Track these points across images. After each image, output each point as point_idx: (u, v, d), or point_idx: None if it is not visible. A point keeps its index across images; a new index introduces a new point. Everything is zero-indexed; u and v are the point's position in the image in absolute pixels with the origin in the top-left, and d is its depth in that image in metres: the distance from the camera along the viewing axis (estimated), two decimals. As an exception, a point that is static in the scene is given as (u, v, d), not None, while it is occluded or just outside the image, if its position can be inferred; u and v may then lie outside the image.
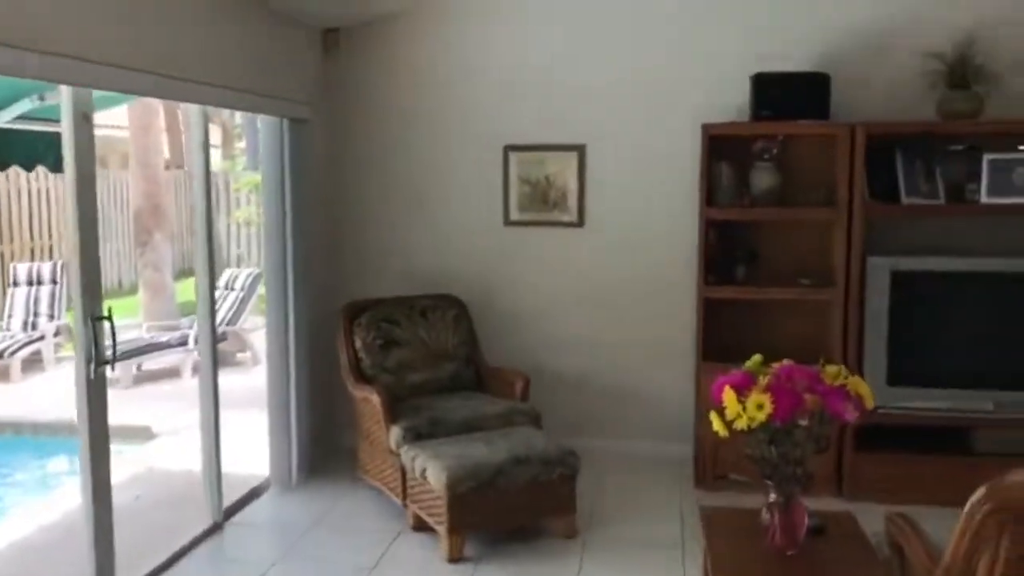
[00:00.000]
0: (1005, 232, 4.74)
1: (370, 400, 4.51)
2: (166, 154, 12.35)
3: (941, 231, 4.79)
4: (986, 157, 4.56)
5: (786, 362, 2.73)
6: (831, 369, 2.64)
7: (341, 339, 4.82)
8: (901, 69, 4.78)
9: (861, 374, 4.54)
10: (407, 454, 4.20)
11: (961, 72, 4.59)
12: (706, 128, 4.72)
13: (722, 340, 4.87)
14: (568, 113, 5.21)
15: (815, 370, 2.63)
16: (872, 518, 3.60)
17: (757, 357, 2.80)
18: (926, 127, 4.64)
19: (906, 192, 4.65)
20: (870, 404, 2.62)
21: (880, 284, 4.56)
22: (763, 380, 2.58)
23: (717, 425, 2.61)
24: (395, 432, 4.34)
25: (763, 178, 4.82)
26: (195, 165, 4.32)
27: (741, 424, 2.53)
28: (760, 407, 2.50)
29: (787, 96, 4.66)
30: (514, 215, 5.31)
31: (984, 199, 4.57)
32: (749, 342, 4.94)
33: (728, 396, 2.56)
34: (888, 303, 4.55)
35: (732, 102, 4.90)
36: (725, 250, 4.88)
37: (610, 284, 5.25)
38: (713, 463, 4.77)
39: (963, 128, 4.61)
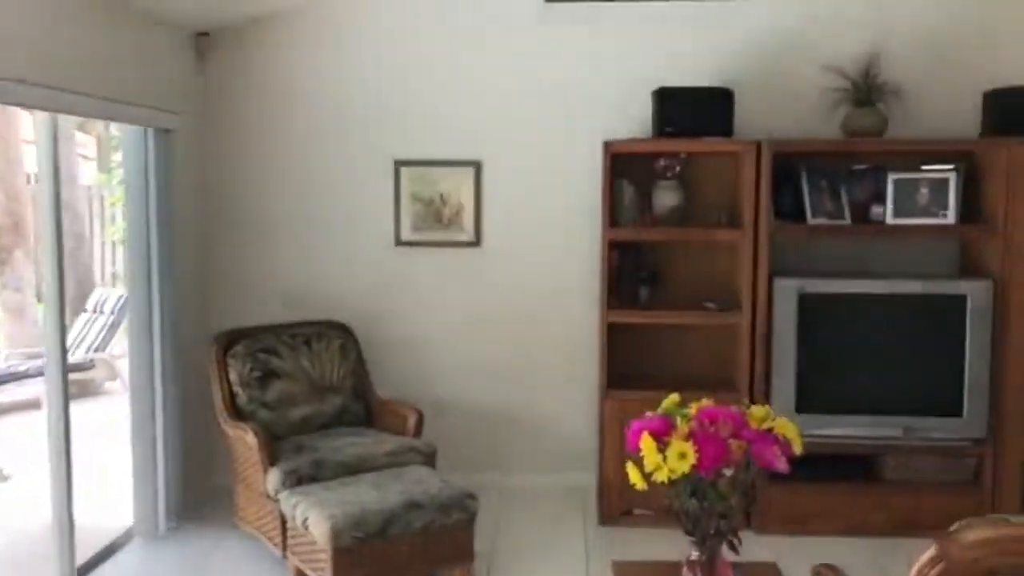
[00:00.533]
0: (910, 253, 4.67)
1: (246, 440, 4.08)
2: (32, 166, 11.50)
3: (848, 252, 4.69)
4: (891, 177, 4.46)
5: (706, 402, 2.48)
6: (757, 411, 2.39)
7: (214, 371, 4.36)
8: (806, 86, 4.66)
9: (769, 401, 4.40)
10: (287, 501, 3.79)
11: (865, 89, 4.49)
12: (607, 145, 4.48)
13: (626, 366, 4.65)
14: (463, 127, 4.90)
15: (739, 412, 2.37)
16: (784, 551, 3.58)
17: (674, 397, 2.53)
18: (832, 145, 4.52)
19: (812, 212, 4.52)
20: (799, 449, 2.38)
21: (787, 307, 4.39)
22: (684, 426, 2.31)
23: (634, 477, 2.33)
24: (274, 476, 3.92)
25: (666, 197, 4.63)
26: (43, 176, 3.82)
27: (661, 476, 2.25)
28: (682, 456, 2.23)
29: (691, 112, 4.46)
30: (406, 234, 4.96)
31: (890, 220, 4.47)
32: (653, 368, 4.78)
33: (646, 445, 2.28)
34: (795, 327, 4.39)
35: (635, 118, 4.70)
36: (628, 272, 4.66)
37: (509, 307, 4.96)
38: (618, 497, 4.51)
39: (868, 146, 4.50)
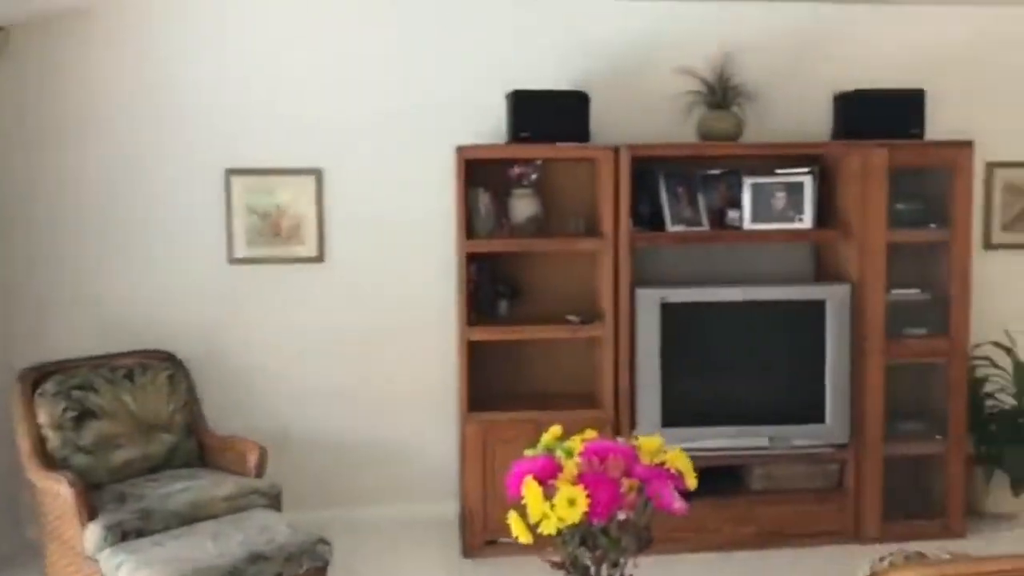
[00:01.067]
0: (770, 258, 4.62)
1: (59, 491, 3.54)
2: None
3: (709, 259, 4.58)
4: (747, 181, 4.39)
5: (591, 435, 2.22)
6: (647, 443, 2.16)
7: (19, 413, 3.79)
8: (661, 89, 4.51)
9: (635, 415, 4.23)
10: (110, 560, 3.30)
11: (720, 92, 4.39)
12: (461, 151, 4.20)
13: (486, 385, 4.40)
14: (303, 132, 4.50)
15: (630, 446, 2.13)
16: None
17: (555, 430, 2.26)
18: (690, 149, 4.39)
19: (671, 219, 4.39)
20: (692, 483, 2.16)
21: (650, 317, 4.24)
22: (571, 466, 2.05)
23: (518, 530, 2.04)
24: (93, 531, 3.41)
25: (523, 206, 4.39)
26: None
27: (549, 528, 1.97)
28: (572, 503, 1.96)
29: (546, 116, 4.25)
30: (240, 251, 4.51)
31: (747, 225, 4.39)
32: (516, 386, 4.52)
33: (531, 491, 1.99)
34: (659, 338, 4.24)
35: (491, 123, 4.44)
36: (486, 286, 4.40)
37: (359, 327, 4.58)
38: (482, 526, 4.22)
39: (725, 150, 4.39)
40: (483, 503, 4.19)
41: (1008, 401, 4.64)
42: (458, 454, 4.37)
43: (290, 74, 4.49)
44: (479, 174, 4.28)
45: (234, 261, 4.51)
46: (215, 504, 3.62)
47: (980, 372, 4.65)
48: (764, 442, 4.28)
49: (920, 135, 4.39)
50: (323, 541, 3.43)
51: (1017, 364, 4.61)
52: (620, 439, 2.25)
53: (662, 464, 2.12)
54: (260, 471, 3.89)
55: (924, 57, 4.68)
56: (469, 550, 4.23)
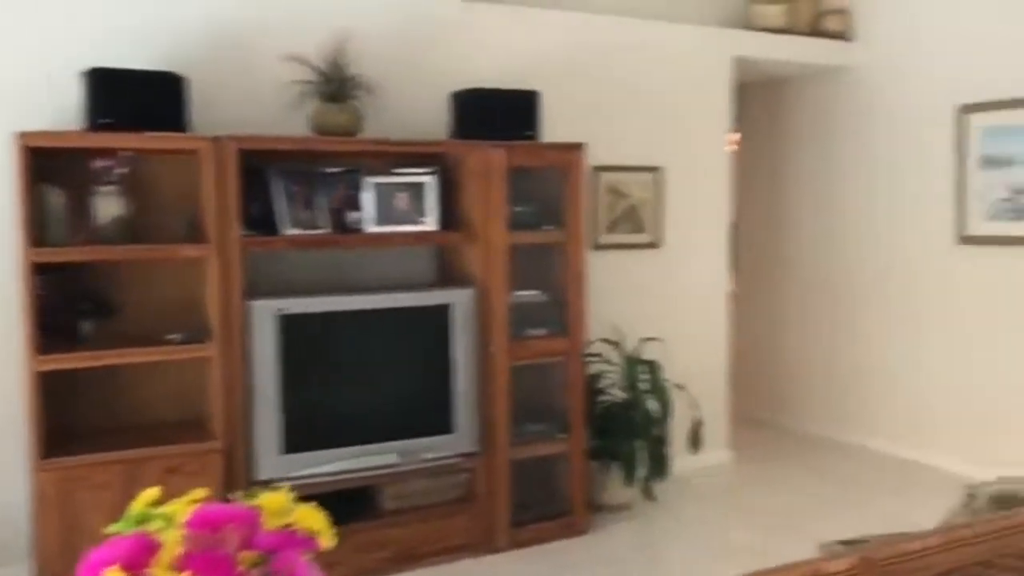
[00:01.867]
0: (396, 262, 4.37)
1: None
2: None
3: (331, 265, 4.23)
4: (368, 181, 4.11)
5: (200, 494, 1.75)
6: (272, 500, 1.72)
7: None
8: (273, 77, 4.06)
9: (251, 443, 3.76)
10: None
11: (336, 83, 4.04)
12: (22, 138, 3.43)
13: (71, 421, 3.68)
14: None
15: (250, 508, 1.69)
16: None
17: (149, 493, 1.73)
18: (303, 144, 4.00)
19: (285, 221, 3.96)
20: (329, 541, 1.77)
21: (266, 332, 3.78)
22: (172, 543, 1.57)
23: (99, 642, 1.51)
24: None
25: (108, 206, 3.70)
26: None
27: (145, 634, 1.48)
28: (174, 597, 1.49)
29: (133, 100, 3.62)
30: None
31: (370, 227, 4.10)
32: (108, 420, 3.82)
33: (115, 588, 1.49)
34: (276, 354, 3.80)
35: (65, 107, 3.69)
36: (62, 303, 3.64)
37: None
38: (67, 591, 3.49)
39: (345, 146, 4.06)
40: (65, 565, 3.46)
41: (619, 395, 4.82)
42: (30, 508, 3.58)
43: None
44: (50, 168, 3.53)
45: None
46: None
47: (594, 368, 4.78)
48: (394, 459, 4.02)
49: (534, 136, 4.39)
50: None
51: (627, 359, 4.81)
52: (237, 494, 1.80)
53: (290, 526, 1.71)
54: None
55: (537, 60, 4.73)
56: (50, 623, 3.48)
